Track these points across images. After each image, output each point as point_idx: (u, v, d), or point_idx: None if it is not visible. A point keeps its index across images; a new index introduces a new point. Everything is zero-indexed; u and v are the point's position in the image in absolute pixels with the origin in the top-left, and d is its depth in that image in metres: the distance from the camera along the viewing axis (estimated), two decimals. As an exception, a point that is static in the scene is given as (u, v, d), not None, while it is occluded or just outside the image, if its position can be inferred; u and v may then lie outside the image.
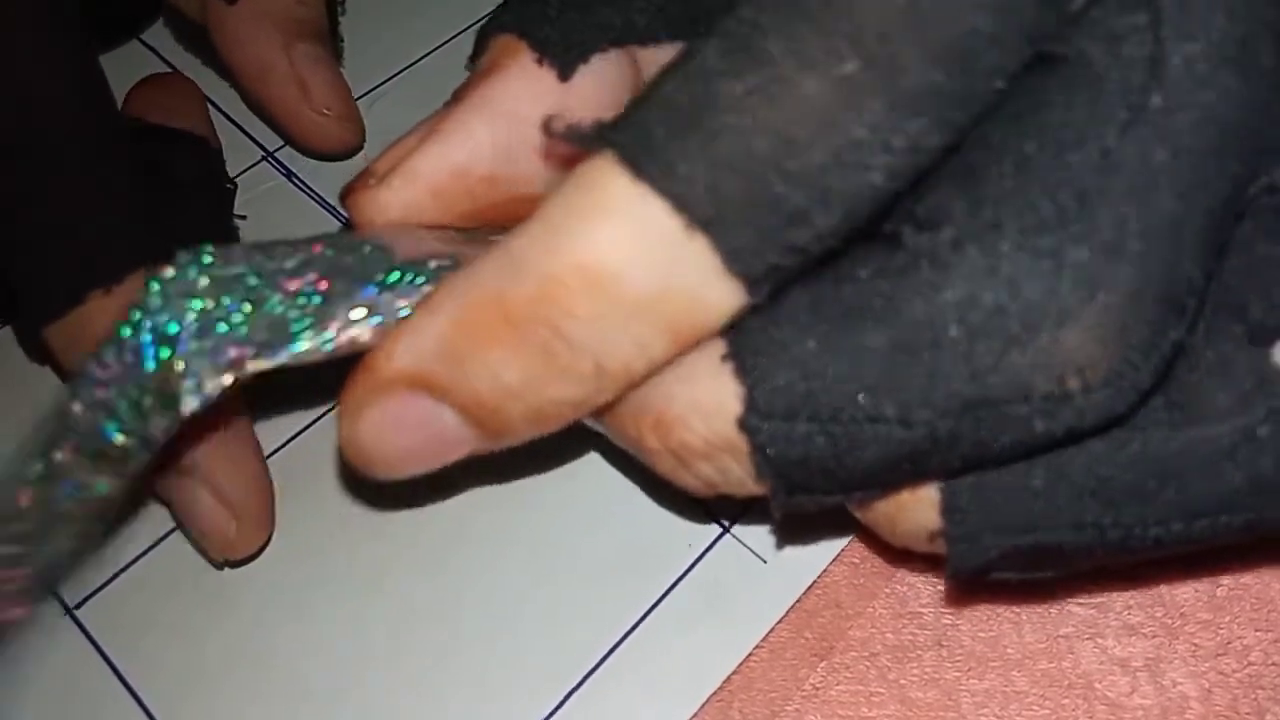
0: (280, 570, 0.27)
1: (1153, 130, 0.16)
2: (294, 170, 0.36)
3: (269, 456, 0.29)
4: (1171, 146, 0.16)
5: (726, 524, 0.28)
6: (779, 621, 0.26)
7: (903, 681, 0.25)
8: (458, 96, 0.22)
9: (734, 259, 0.16)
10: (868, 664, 0.26)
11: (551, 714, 0.25)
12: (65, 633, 0.27)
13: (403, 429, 0.19)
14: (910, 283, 0.16)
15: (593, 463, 0.29)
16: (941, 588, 0.26)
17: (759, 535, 0.27)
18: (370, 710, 0.25)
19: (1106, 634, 0.26)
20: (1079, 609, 0.26)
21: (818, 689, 0.25)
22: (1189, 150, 0.16)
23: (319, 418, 0.30)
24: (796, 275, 0.17)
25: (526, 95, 0.21)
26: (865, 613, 0.26)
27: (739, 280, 0.16)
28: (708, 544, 0.27)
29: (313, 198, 0.35)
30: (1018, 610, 0.26)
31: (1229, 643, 0.25)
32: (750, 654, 0.26)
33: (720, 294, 0.16)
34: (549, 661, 0.26)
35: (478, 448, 0.19)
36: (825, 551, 0.27)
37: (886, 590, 0.26)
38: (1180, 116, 0.16)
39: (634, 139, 0.16)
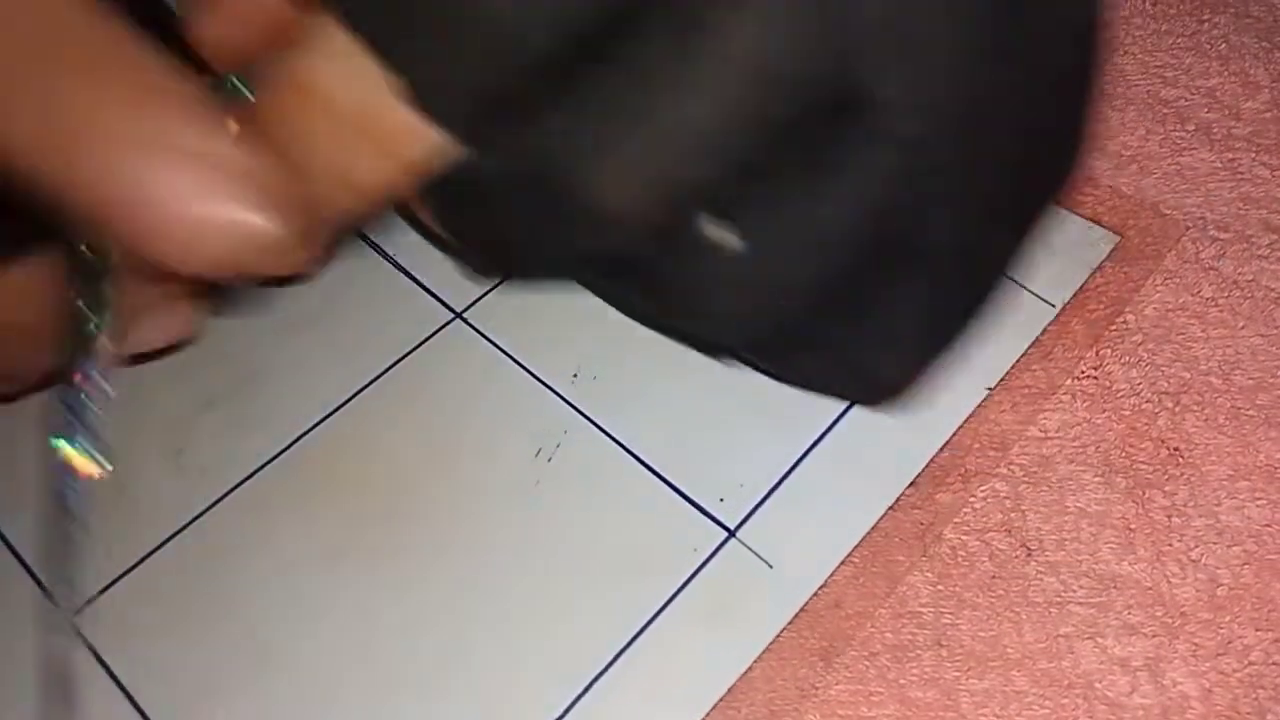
0: (281, 574, 0.27)
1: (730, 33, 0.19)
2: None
3: (273, 460, 0.29)
4: (741, 54, 0.19)
5: (732, 528, 0.27)
6: (785, 626, 0.26)
7: (902, 681, 0.25)
8: None
9: (431, 101, 0.19)
10: (867, 664, 0.25)
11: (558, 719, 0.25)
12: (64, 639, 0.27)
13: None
14: (537, 129, 0.20)
15: (598, 468, 0.29)
16: (942, 587, 0.26)
17: (765, 539, 0.27)
18: (373, 715, 0.25)
19: (1106, 633, 0.26)
20: (1079, 608, 0.26)
21: (817, 689, 0.25)
22: (753, 65, 0.19)
23: (321, 420, 0.30)
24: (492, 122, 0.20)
25: None
26: (865, 613, 0.26)
27: (440, 121, 0.19)
28: (713, 548, 0.27)
29: (308, 194, 0.35)
30: (1017, 610, 0.26)
31: (1229, 642, 0.25)
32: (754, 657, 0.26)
33: (424, 132, 0.20)
34: (554, 667, 0.26)
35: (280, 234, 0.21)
36: (831, 556, 0.27)
37: (886, 590, 0.26)
38: (749, 29, 0.19)
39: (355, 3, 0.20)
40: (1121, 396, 0.29)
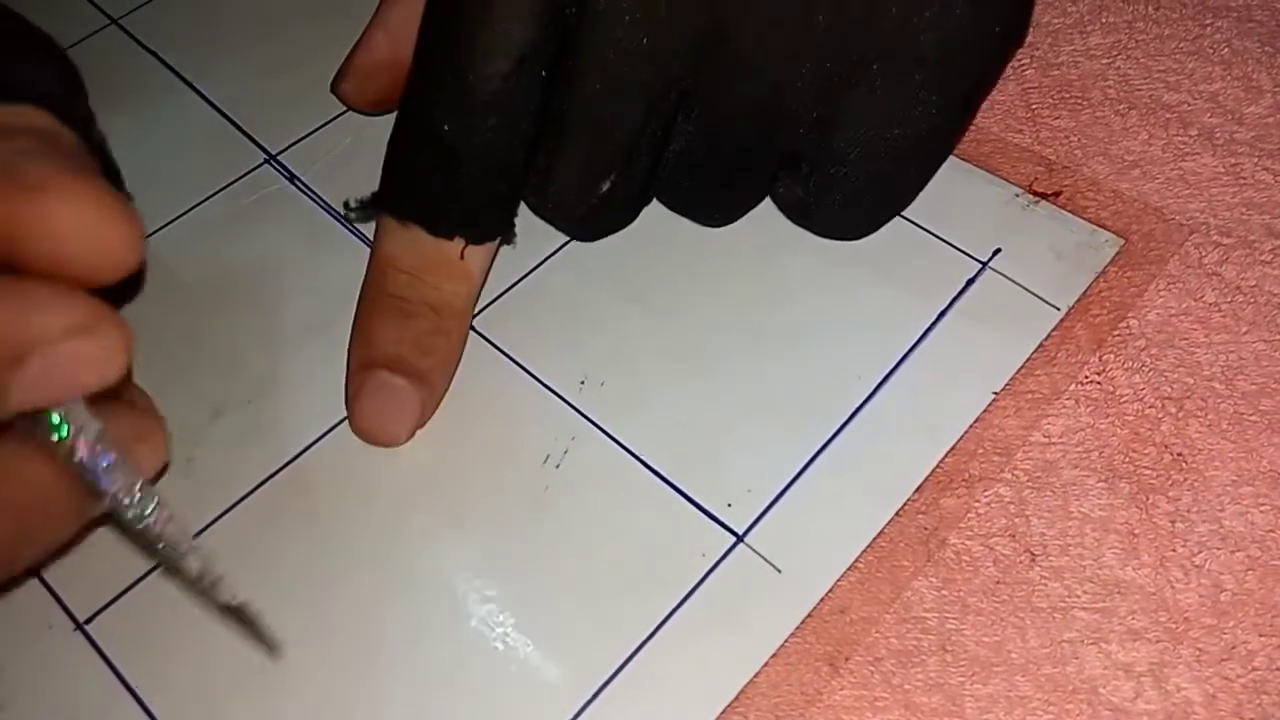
0: (287, 583, 0.27)
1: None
2: (296, 174, 0.36)
3: (283, 468, 0.29)
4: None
5: (740, 533, 0.28)
6: (792, 632, 0.26)
7: (907, 686, 0.25)
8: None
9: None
10: (872, 669, 0.26)
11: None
12: (75, 647, 0.27)
13: None
14: None
15: (606, 474, 0.29)
16: (946, 592, 0.27)
17: (773, 544, 0.27)
18: (379, 720, 0.26)
19: (1111, 639, 0.26)
20: (1083, 613, 0.26)
21: (822, 694, 0.25)
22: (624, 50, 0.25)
23: (332, 428, 0.30)
24: None
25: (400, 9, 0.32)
26: (870, 618, 0.26)
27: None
28: (721, 554, 0.27)
29: (315, 200, 0.35)
30: (1022, 615, 0.26)
31: (1233, 648, 0.25)
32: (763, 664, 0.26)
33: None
34: (563, 674, 0.26)
35: None
36: (838, 560, 0.27)
37: (892, 596, 0.27)
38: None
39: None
40: (1125, 402, 0.29)
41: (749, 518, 0.28)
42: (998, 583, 0.27)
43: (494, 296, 0.32)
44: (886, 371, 0.30)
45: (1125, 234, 0.32)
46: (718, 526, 0.28)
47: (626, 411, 0.30)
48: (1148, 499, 0.28)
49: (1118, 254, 0.32)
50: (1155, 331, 0.30)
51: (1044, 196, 0.33)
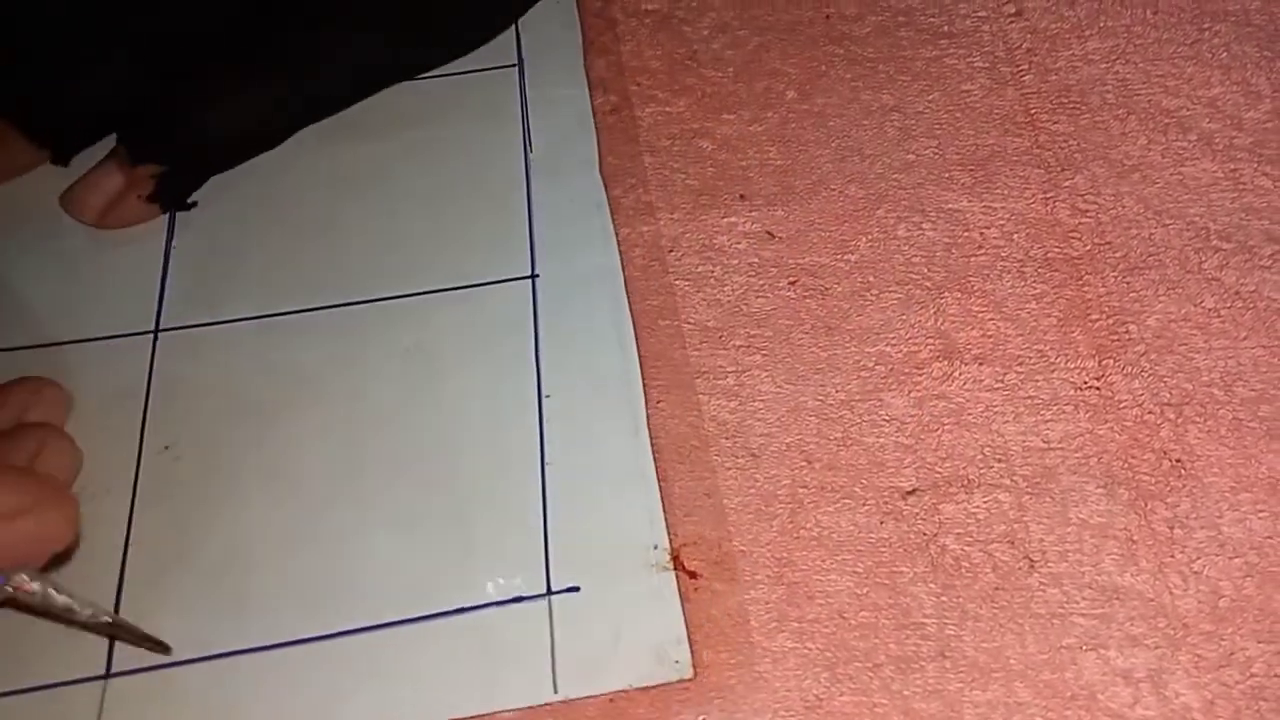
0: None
1: None
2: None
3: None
4: None
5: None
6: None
7: (906, 692, 0.25)
8: None
9: None
10: (871, 675, 0.26)
11: None
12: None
13: None
14: None
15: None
16: (945, 598, 0.27)
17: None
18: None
19: (1109, 645, 0.26)
20: (1081, 620, 0.26)
21: (821, 700, 0.25)
22: None
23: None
24: None
25: None
26: (869, 624, 0.26)
27: None
28: None
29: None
30: (1020, 621, 0.26)
31: (1231, 654, 0.25)
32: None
33: None
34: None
35: None
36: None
37: (890, 602, 0.27)
38: None
39: None
40: (1124, 407, 0.29)
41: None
42: (997, 589, 0.27)
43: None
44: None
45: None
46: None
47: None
48: (1146, 505, 0.28)
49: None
50: (1154, 337, 0.30)
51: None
